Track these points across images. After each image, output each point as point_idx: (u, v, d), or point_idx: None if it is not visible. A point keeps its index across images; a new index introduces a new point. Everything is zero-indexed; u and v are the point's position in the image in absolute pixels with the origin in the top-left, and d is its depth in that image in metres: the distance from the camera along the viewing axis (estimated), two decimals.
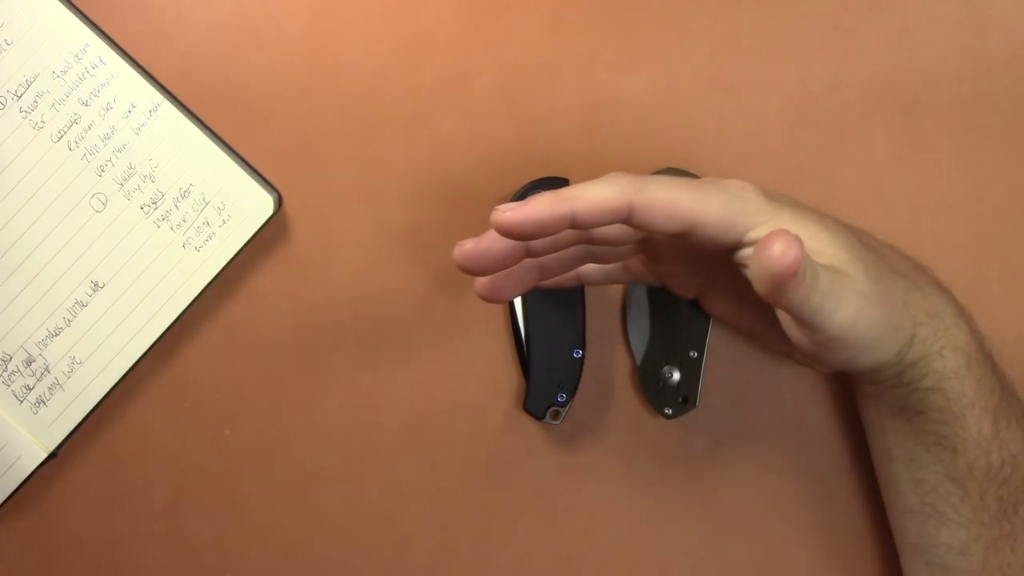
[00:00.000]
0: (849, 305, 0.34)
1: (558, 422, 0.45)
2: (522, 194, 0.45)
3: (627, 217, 0.34)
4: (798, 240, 0.31)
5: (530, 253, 0.37)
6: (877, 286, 0.35)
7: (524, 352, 0.46)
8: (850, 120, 0.47)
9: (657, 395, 0.45)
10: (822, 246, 0.35)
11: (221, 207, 0.45)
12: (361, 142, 0.46)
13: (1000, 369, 0.40)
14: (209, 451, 0.46)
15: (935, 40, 0.46)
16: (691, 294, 0.43)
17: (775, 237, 0.31)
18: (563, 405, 0.45)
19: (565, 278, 0.42)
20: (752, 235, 0.35)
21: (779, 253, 0.31)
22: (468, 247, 0.36)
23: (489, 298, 0.38)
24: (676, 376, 0.45)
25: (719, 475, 0.47)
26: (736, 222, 0.35)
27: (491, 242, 0.36)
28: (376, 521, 0.47)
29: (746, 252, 0.35)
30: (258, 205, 0.45)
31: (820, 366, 0.40)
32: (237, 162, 0.45)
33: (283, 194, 0.46)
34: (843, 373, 0.41)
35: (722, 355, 0.46)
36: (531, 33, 0.47)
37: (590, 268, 0.42)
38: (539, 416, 0.45)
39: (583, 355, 0.45)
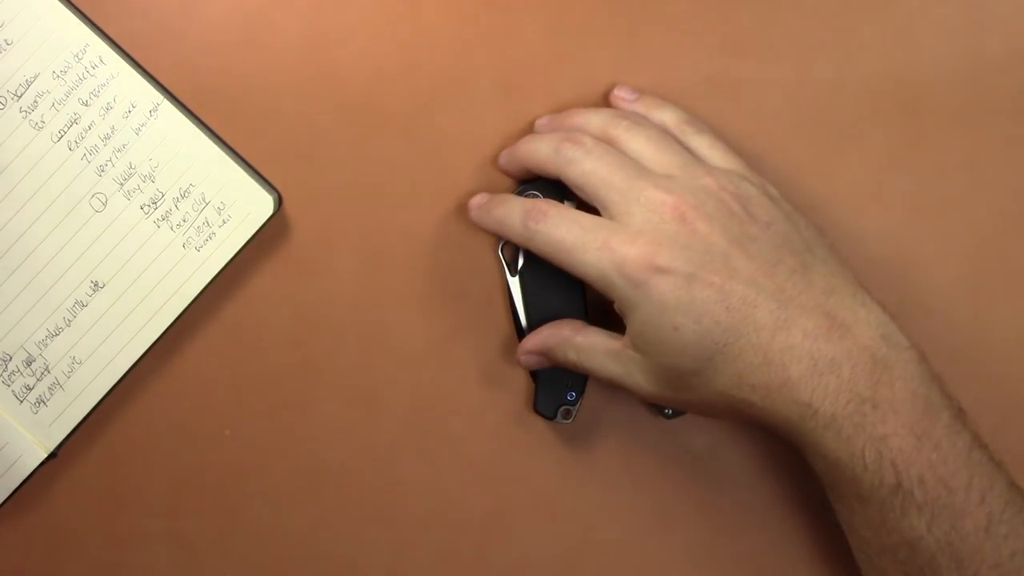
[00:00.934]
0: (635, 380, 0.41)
1: (570, 420, 0.45)
2: (517, 194, 0.45)
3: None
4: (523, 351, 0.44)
5: None
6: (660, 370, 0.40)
7: None
8: (850, 120, 0.47)
9: None
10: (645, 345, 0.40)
11: (221, 207, 0.45)
12: (361, 142, 0.46)
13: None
14: (209, 451, 0.46)
15: (935, 40, 0.46)
16: None
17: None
18: (573, 403, 0.45)
19: None
20: (617, 308, 0.41)
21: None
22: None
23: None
24: None
25: (719, 475, 0.47)
26: (605, 290, 0.40)
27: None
28: (376, 521, 0.47)
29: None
30: (258, 205, 0.45)
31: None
32: (237, 162, 0.45)
33: (283, 194, 0.46)
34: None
35: None
36: (531, 33, 0.47)
37: None
38: (551, 416, 0.45)
39: None
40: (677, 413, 0.45)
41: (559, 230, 0.40)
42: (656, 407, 0.45)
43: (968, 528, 0.35)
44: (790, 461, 0.46)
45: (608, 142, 0.41)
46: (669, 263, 0.37)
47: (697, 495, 0.47)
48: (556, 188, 0.43)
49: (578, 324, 0.43)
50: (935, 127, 0.46)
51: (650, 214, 0.38)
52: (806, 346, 0.36)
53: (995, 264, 0.46)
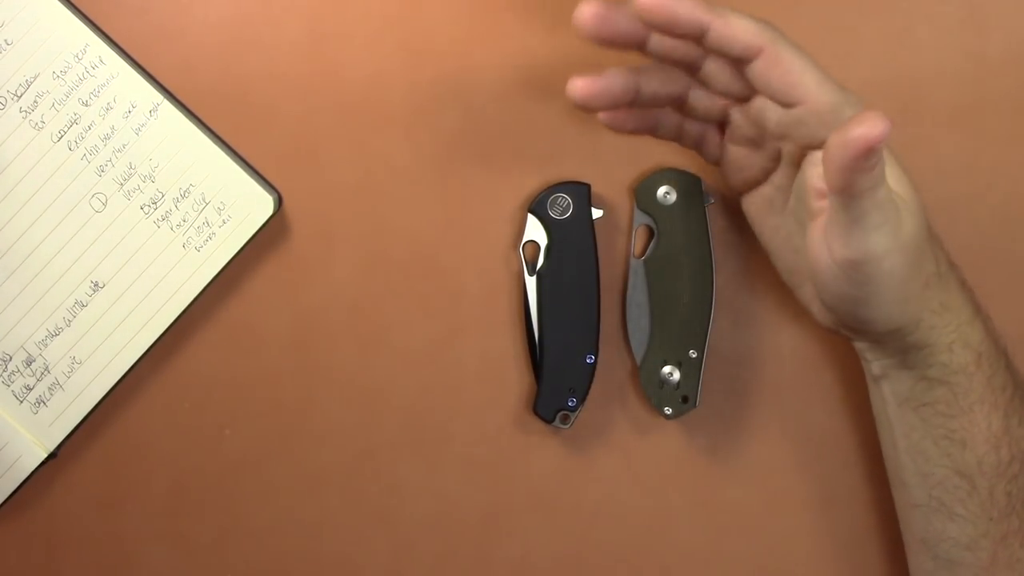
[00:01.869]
0: (887, 235, 0.35)
1: (567, 426, 0.45)
2: (543, 198, 0.45)
3: (751, 62, 0.36)
4: (888, 124, 0.31)
5: (640, 91, 0.38)
6: (915, 251, 0.36)
7: (536, 355, 0.45)
8: None
9: (657, 395, 0.45)
10: (900, 188, 0.36)
11: (221, 207, 0.45)
12: (361, 142, 0.46)
13: (1015, 367, 0.40)
14: (209, 451, 0.46)
15: (935, 40, 0.46)
16: (741, 185, 0.43)
17: (867, 114, 0.32)
18: (573, 409, 0.45)
19: (645, 123, 0.41)
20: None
21: (867, 124, 0.31)
22: (585, 83, 0.37)
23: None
24: (676, 376, 0.45)
25: (719, 475, 0.47)
26: (838, 118, 0.35)
27: (609, 77, 0.38)
28: (376, 521, 0.47)
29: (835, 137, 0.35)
30: (258, 205, 0.45)
31: (824, 306, 0.39)
32: (237, 162, 0.45)
33: (283, 194, 0.46)
34: (848, 340, 0.41)
35: (722, 355, 0.46)
36: (531, 33, 0.47)
37: (668, 118, 0.42)
38: (548, 419, 0.45)
39: (596, 361, 0.45)
40: (677, 413, 0.45)
41: (796, 50, 0.36)
42: (656, 408, 0.45)
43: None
44: (790, 461, 0.46)
45: None
46: None
47: (697, 495, 0.47)
48: (579, 192, 0.45)
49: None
50: (935, 127, 0.46)
51: None
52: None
53: (995, 264, 0.46)
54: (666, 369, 0.45)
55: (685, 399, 0.45)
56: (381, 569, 0.47)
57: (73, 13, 0.45)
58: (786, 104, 0.36)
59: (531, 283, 0.45)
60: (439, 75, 0.47)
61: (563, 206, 0.45)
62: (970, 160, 0.46)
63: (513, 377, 0.47)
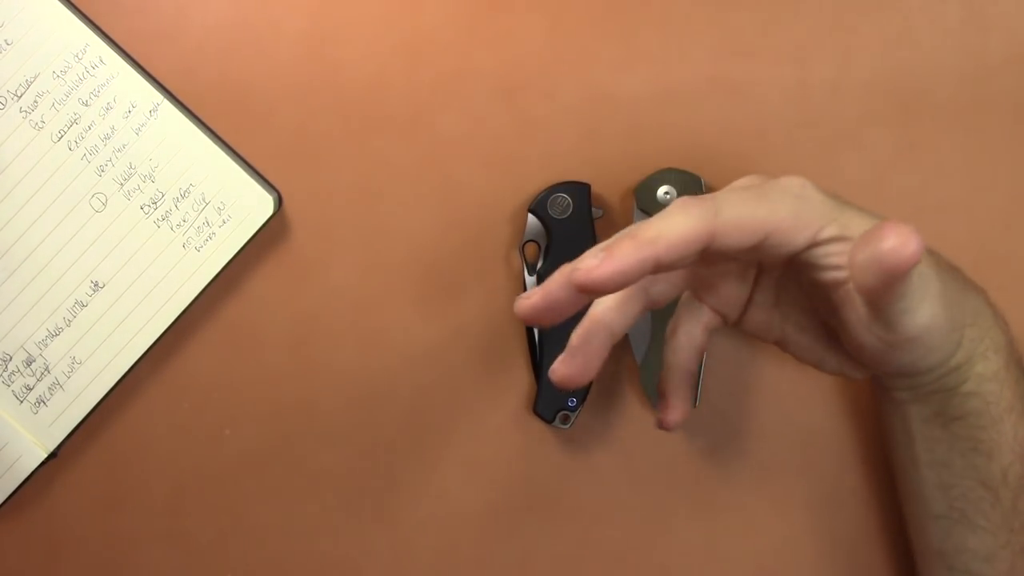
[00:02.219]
0: (929, 305, 0.34)
1: (567, 426, 0.45)
2: (543, 198, 0.45)
3: (708, 244, 0.33)
4: (916, 232, 0.30)
5: (588, 295, 0.35)
6: (944, 285, 0.35)
7: (536, 355, 0.45)
8: (850, 120, 0.47)
9: (657, 395, 0.45)
10: None
11: (221, 207, 0.45)
12: (361, 142, 0.46)
13: None
14: (209, 451, 0.46)
15: (935, 40, 0.46)
16: (734, 315, 0.40)
17: (891, 229, 0.30)
18: (573, 410, 0.45)
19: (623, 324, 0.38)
20: (824, 234, 0.34)
21: (897, 244, 0.30)
22: (532, 302, 0.34)
23: (572, 385, 0.36)
24: None
25: (719, 475, 0.47)
26: (807, 224, 0.34)
27: (556, 289, 0.34)
28: (376, 521, 0.47)
29: (821, 251, 0.34)
30: (258, 205, 0.45)
31: (877, 368, 0.38)
32: (237, 162, 0.45)
33: (283, 194, 0.46)
34: (875, 379, 0.40)
35: (722, 355, 0.46)
36: (531, 33, 0.47)
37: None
38: (548, 419, 0.45)
39: None
40: None
41: (735, 204, 0.33)
42: (656, 407, 0.45)
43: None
44: (790, 461, 0.46)
45: None
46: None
47: (697, 495, 0.47)
48: (579, 192, 0.44)
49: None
50: (935, 127, 0.46)
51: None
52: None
53: (995, 264, 0.46)
54: None
55: None
56: (381, 569, 0.47)
57: (73, 13, 0.45)
58: (752, 248, 0.34)
59: (531, 283, 0.45)
60: (439, 75, 0.47)
61: (563, 206, 0.45)
62: (970, 160, 0.46)
63: (513, 377, 0.47)
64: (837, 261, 0.34)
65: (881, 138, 0.47)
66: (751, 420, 0.47)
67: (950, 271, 0.37)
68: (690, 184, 0.45)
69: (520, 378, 0.47)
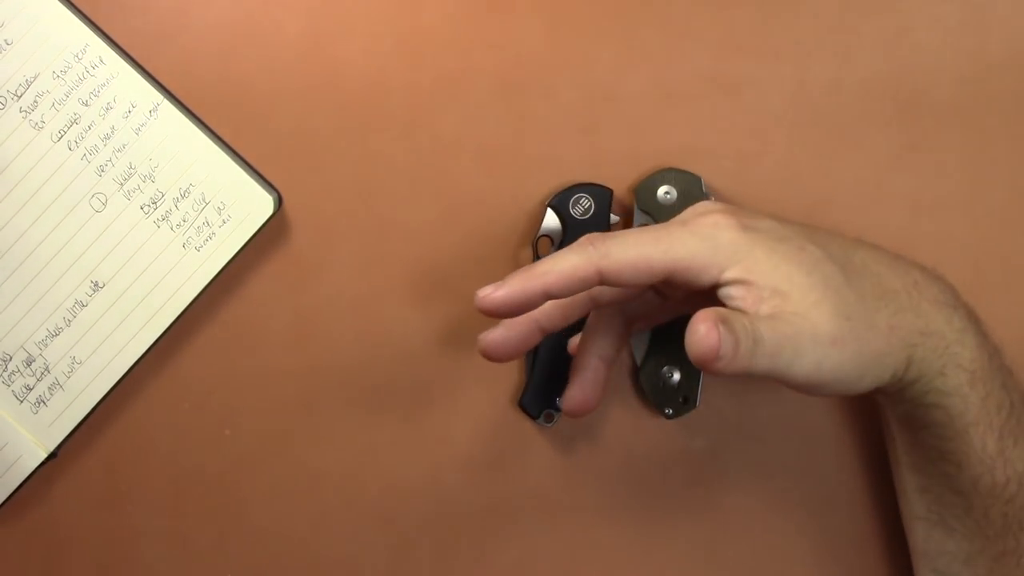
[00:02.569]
0: (809, 354, 0.34)
1: (551, 425, 0.46)
2: (565, 196, 0.45)
3: (600, 281, 0.36)
4: (717, 325, 0.32)
5: (543, 330, 0.40)
6: (847, 323, 0.35)
7: (534, 351, 0.45)
8: (850, 120, 0.47)
9: (657, 395, 0.45)
10: (791, 288, 0.35)
11: (221, 207, 0.45)
12: (361, 142, 0.46)
13: (1013, 383, 0.39)
14: (209, 451, 0.46)
15: (935, 40, 0.46)
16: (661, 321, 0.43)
17: (698, 321, 0.32)
18: (559, 409, 0.45)
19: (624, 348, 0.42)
20: (727, 275, 0.35)
21: (700, 336, 0.32)
22: (488, 340, 0.39)
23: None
24: (676, 376, 0.45)
25: (719, 475, 0.47)
26: (708, 264, 0.35)
27: (503, 331, 0.39)
28: (376, 521, 0.47)
29: (724, 291, 0.36)
30: (258, 205, 0.45)
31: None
32: (237, 162, 0.45)
33: (283, 194, 0.46)
34: None
35: None
36: (531, 33, 0.47)
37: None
38: (533, 415, 0.45)
39: None
40: (677, 413, 0.45)
41: (627, 239, 0.36)
42: (656, 408, 0.45)
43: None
44: (790, 461, 0.46)
45: None
46: (752, 221, 0.37)
47: (697, 495, 0.47)
48: (601, 195, 0.45)
49: None
50: (935, 127, 0.46)
51: (709, 224, 0.37)
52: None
53: (995, 264, 0.46)
54: (666, 369, 0.45)
55: (685, 399, 0.45)
56: (381, 569, 0.47)
57: (73, 13, 0.45)
58: (661, 282, 0.36)
59: None
60: (439, 75, 0.47)
61: (584, 207, 0.45)
62: (970, 160, 0.46)
63: (515, 378, 0.47)
64: (739, 304, 0.35)
65: (881, 138, 0.47)
66: (751, 420, 0.47)
67: (880, 299, 0.37)
68: (690, 184, 0.45)
69: (521, 378, 0.47)
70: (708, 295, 0.36)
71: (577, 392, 0.40)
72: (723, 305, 0.36)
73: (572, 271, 0.35)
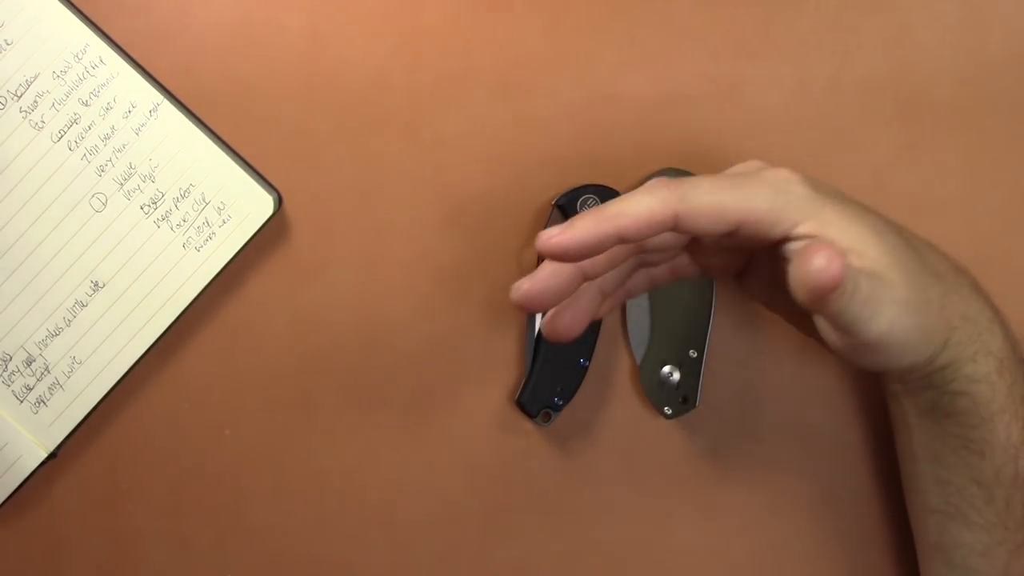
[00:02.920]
0: (886, 312, 0.34)
1: (547, 424, 0.46)
2: (573, 196, 0.45)
3: (673, 226, 0.34)
4: (841, 255, 0.31)
5: (586, 277, 0.37)
6: (915, 291, 0.35)
7: (534, 348, 0.45)
8: (850, 120, 0.47)
9: (657, 395, 0.45)
10: (865, 248, 0.35)
11: (221, 207, 0.45)
12: (361, 142, 0.46)
13: None
14: (209, 451, 0.46)
15: (935, 40, 0.46)
16: (733, 277, 0.42)
17: (817, 250, 0.31)
18: (557, 409, 0.45)
19: (618, 297, 0.40)
20: (800, 230, 0.34)
21: (820, 267, 0.31)
22: (526, 287, 0.36)
23: (561, 338, 0.37)
24: (676, 376, 0.45)
25: (719, 475, 0.47)
26: (781, 218, 0.34)
27: (546, 277, 0.36)
28: (376, 521, 0.47)
29: (793, 246, 0.35)
30: (258, 205, 0.45)
31: (851, 363, 0.39)
32: (237, 162, 0.45)
33: (283, 194, 0.46)
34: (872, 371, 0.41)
35: (722, 355, 0.46)
36: (531, 33, 0.47)
37: (638, 278, 0.41)
38: (531, 414, 0.45)
39: (588, 365, 0.45)
40: (677, 413, 0.45)
41: (705, 191, 0.35)
42: (656, 407, 0.45)
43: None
44: (790, 461, 0.46)
45: None
46: (817, 182, 0.36)
47: (697, 495, 0.47)
48: (607, 197, 0.44)
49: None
50: (935, 127, 0.46)
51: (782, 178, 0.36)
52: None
53: (995, 264, 0.46)
54: (666, 369, 0.45)
55: (685, 399, 0.45)
56: (381, 569, 0.47)
57: (73, 13, 0.45)
58: (728, 234, 0.35)
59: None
60: (439, 75, 0.47)
61: (591, 207, 0.45)
62: (970, 160, 0.46)
63: (514, 378, 0.47)
64: None
65: (881, 138, 0.47)
66: (751, 420, 0.47)
67: (934, 276, 0.37)
68: None
69: (521, 377, 0.47)
70: (768, 251, 0.36)
71: (568, 315, 0.37)
72: (784, 263, 0.35)
73: (648, 214, 0.34)
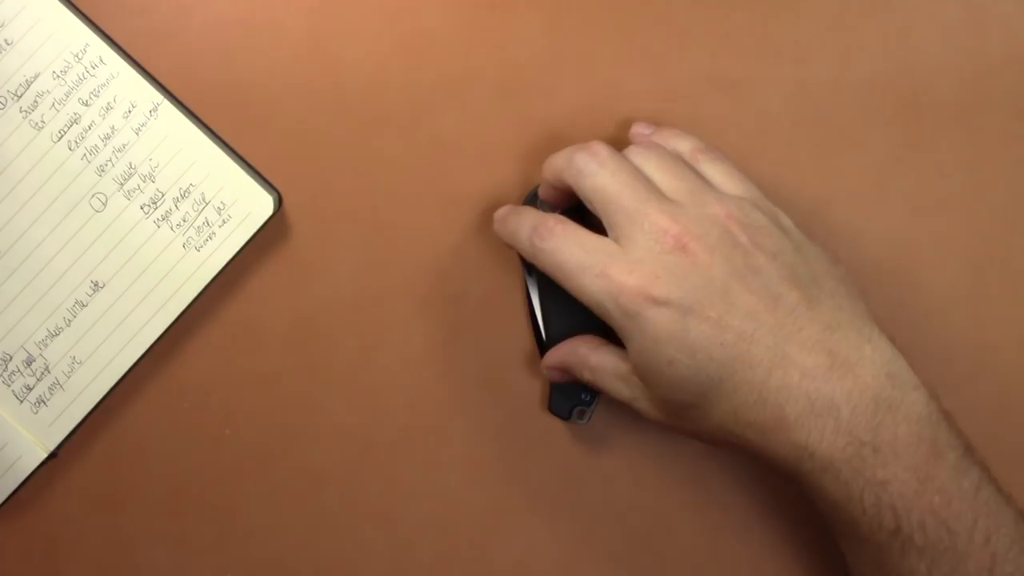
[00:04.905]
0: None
1: (584, 421, 0.45)
2: (533, 194, 0.45)
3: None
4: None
5: None
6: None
7: (544, 352, 0.45)
8: (850, 120, 0.47)
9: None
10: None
11: (221, 207, 0.45)
12: (361, 142, 0.47)
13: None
14: (209, 451, 0.46)
15: (935, 40, 0.46)
16: None
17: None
18: (588, 404, 0.45)
19: None
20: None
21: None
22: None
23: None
24: None
25: (719, 475, 0.47)
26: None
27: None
28: (376, 521, 0.47)
29: None
30: (258, 205, 0.45)
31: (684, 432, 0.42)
32: (237, 162, 0.46)
33: (283, 194, 0.46)
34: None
35: None
36: (531, 33, 0.47)
37: None
38: (565, 417, 0.45)
39: None
40: None
41: (562, 252, 0.39)
42: None
43: (971, 570, 0.35)
44: None
45: None
46: (666, 295, 0.37)
47: (697, 495, 0.47)
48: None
49: (594, 342, 0.42)
50: (935, 127, 0.46)
51: (652, 242, 0.37)
52: (803, 386, 0.35)
53: (995, 264, 0.46)
54: None
55: None
56: (381, 569, 0.47)
57: (73, 13, 0.45)
58: None
59: (532, 282, 0.45)
60: (439, 74, 0.47)
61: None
62: (970, 160, 0.46)
63: (512, 377, 0.47)
64: None
65: (881, 138, 0.47)
66: None
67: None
68: None
69: (520, 378, 0.47)
70: None
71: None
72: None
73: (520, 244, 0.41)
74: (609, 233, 0.39)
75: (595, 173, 0.39)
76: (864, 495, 0.35)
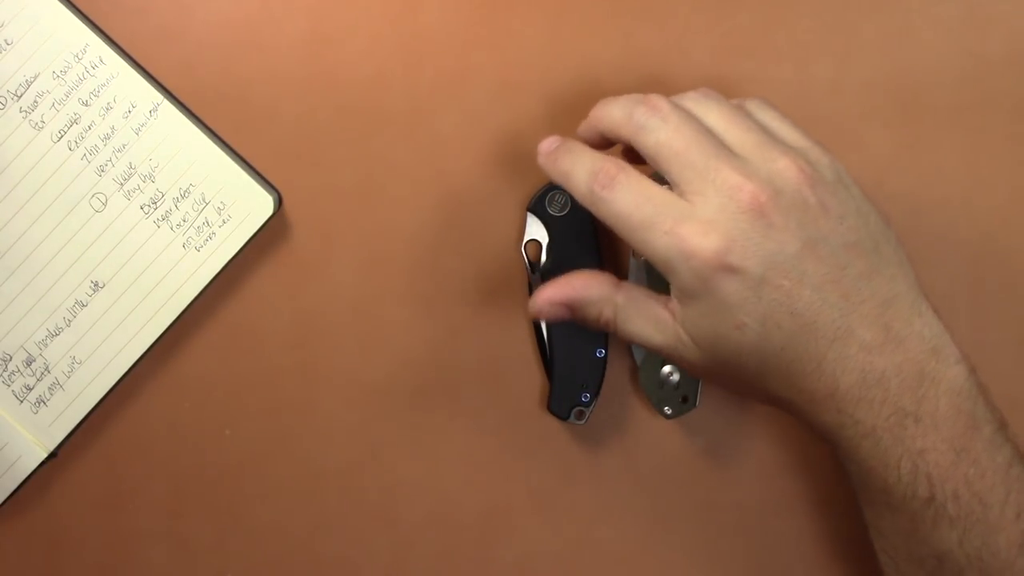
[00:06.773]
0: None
1: (582, 422, 0.45)
2: (540, 197, 0.45)
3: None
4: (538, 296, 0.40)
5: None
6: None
7: (547, 353, 0.45)
8: (850, 120, 0.47)
9: (657, 395, 0.45)
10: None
11: (221, 207, 0.45)
12: (361, 142, 0.47)
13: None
14: (209, 451, 0.46)
15: (935, 40, 0.46)
16: None
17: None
18: (587, 405, 0.45)
19: None
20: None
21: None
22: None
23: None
24: (676, 376, 0.45)
25: (719, 475, 0.47)
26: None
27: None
28: (376, 521, 0.47)
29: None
30: (258, 205, 0.45)
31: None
32: (237, 162, 0.46)
33: (283, 194, 0.46)
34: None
35: None
36: (531, 33, 0.47)
37: None
38: (563, 416, 0.45)
39: (606, 354, 0.45)
40: (677, 413, 0.45)
41: (626, 202, 0.36)
42: (656, 407, 0.45)
43: (1000, 544, 0.35)
44: (790, 462, 0.46)
45: None
46: (741, 262, 0.35)
47: (697, 495, 0.47)
48: None
49: (611, 278, 0.40)
50: (935, 127, 0.46)
51: (726, 199, 0.36)
52: (859, 359, 0.36)
53: (995, 264, 0.46)
54: (666, 369, 0.45)
55: (685, 399, 0.45)
56: (381, 569, 0.47)
57: (73, 13, 0.45)
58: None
59: (536, 281, 0.45)
60: (439, 75, 0.47)
61: (561, 203, 0.45)
62: (970, 160, 0.46)
63: (512, 377, 0.47)
64: None
65: (881, 138, 0.47)
66: (751, 420, 0.47)
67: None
68: None
69: (519, 378, 0.47)
70: None
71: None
72: None
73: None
74: (675, 189, 0.37)
75: (658, 128, 0.37)
76: (902, 463, 0.36)
